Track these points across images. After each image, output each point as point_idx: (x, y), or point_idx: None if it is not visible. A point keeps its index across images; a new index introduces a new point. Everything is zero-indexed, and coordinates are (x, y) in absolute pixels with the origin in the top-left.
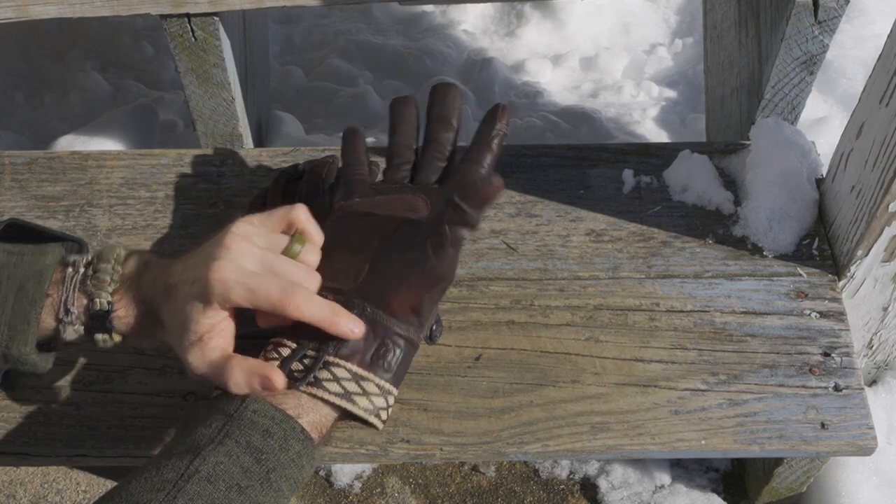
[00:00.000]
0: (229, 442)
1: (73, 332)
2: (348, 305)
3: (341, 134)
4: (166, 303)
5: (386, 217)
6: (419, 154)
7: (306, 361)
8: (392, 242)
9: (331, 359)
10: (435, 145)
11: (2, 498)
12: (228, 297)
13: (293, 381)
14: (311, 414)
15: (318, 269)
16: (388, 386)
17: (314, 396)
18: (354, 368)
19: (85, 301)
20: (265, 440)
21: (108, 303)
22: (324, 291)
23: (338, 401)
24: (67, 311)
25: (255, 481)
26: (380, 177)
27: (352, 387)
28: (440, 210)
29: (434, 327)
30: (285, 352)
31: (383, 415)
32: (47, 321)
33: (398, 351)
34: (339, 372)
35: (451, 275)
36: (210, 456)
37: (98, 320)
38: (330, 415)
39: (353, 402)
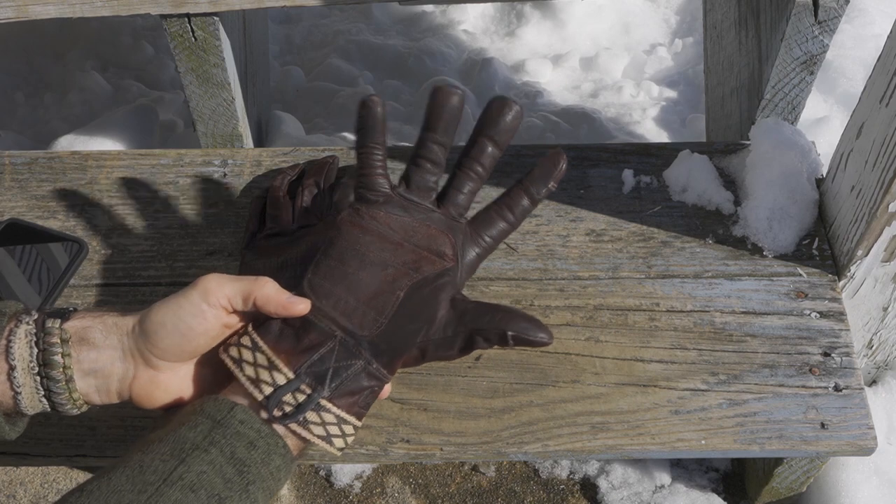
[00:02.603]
0: (214, 451)
1: (33, 398)
2: (353, 353)
3: (343, 134)
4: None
5: (409, 248)
6: (456, 165)
7: (299, 398)
8: (412, 294)
9: (323, 402)
10: (476, 165)
11: (2, 498)
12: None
13: (281, 417)
14: (290, 437)
15: (328, 279)
16: (357, 422)
17: (296, 433)
18: (342, 414)
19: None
20: (249, 452)
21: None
22: (334, 327)
23: (319, 442)
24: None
25: (234, 492)
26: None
27: (334, 430)
28: (487, 329)
29: None
30: (279, 378)
31: (338, 442)
32: (4, 392)
33: (374, 391)
34: (328, 417)
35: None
36: (194, 464)
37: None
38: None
39: (331, 444)
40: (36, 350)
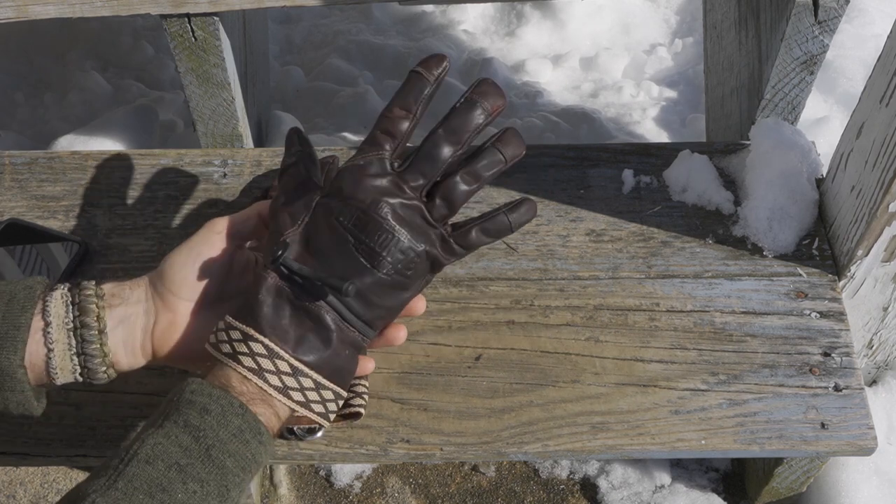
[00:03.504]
0: (167, 424)
1: (64, 357)
2: (324, 325)
3: (343, 134)
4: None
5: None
6: (431, 134)
7: (233, 334)
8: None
9: (251, 332)
10: (452, 138)
11: (2, 498)
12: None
13: (213, 345)
14: (257, 404)
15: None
16: (291, 358)
17: (228, 360)
18: (271, 345)
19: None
20: (202, 417)
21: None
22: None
23: (251, 376)
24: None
25: (194, 459)
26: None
27: (266, 364)
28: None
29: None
30: (220, 325)
31: (295, 395)
32: (37, 354)
33: (350, 352)
34: (256, 347)
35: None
36: (149, 438)
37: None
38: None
39: (265, 379)
40: (72, 306)
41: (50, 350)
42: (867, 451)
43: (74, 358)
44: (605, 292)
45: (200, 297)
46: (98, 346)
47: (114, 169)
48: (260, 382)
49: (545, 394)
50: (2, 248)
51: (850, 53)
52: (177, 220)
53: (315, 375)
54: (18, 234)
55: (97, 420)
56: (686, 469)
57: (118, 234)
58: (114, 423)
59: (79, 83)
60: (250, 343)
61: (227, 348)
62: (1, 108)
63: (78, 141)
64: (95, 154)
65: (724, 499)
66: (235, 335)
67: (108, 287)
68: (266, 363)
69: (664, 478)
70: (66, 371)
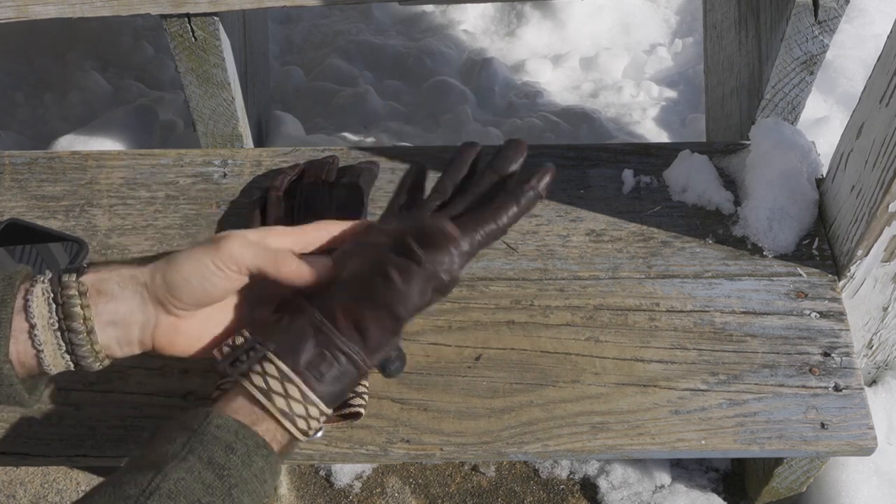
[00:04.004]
0: (192, 458)
1: (55, 356)
2: (299, 308)
3: (343, 134)
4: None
5: (377, 232)
6: (459, 187)
7: (250, 353)
8: (365, 263)
9: (269, 354)
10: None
11: (2, 498)
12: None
13: (229, 370)
14: (264, 422)
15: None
16: (312, 396)
17: (243, 388)
18: (284, 368)
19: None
20: (228, 456)
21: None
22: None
23: (257, 394)
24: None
25: (216, 498)
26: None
27: (275, 385)
28: (399, 241)
29: (392, 360)
30: (239, 341)
31: (300, 423)
32: (25, 353)
33: (336, 366)
34: (269, 368)
35: (398, 307)
36: (172, 472)
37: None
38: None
39: (271, 400)
40: (55, 306)
41: (40, 351)
42: (867, 451)
43: (66, 356)
44: (605, 292)
45: (207, 306)
46: (88, 346)
47: (114, 169)
48: (289, 426)
49: (545, 394)
50: (2, 248)
51: (850, 53)
52: (177, 220)
53: (325, 409)
54: (18, 234)
55: (97, 420)
56: (686, 469)
57: (118, 234)
58: (114, 423)
59: (79, 83)
60: (287, 385)
61: (260, 382)
62: (1, 108)
63: (78, 141)
64: (95, 154)
65: (724, 499)
66: (271, 370)
67: (91, 280)
68: (299, 408)
69: (664, 478)
70: (59, 366)
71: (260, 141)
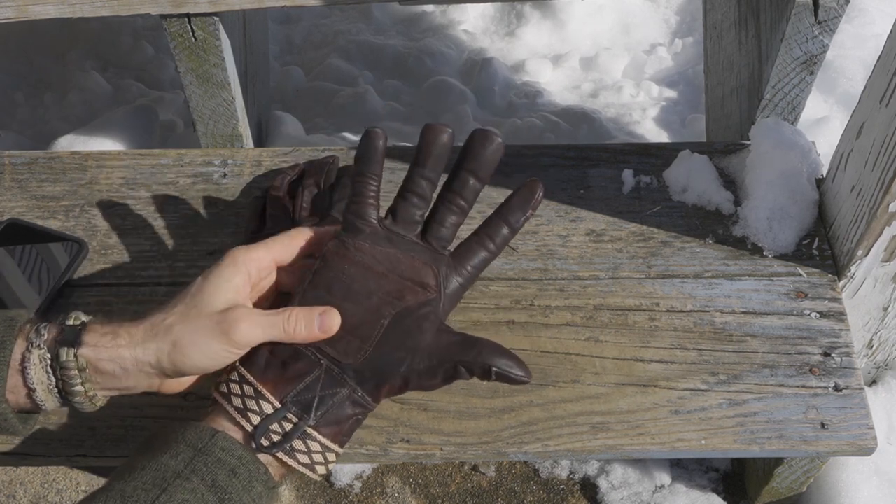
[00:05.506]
0: (195, 479)
1: (57, 409)
2: (338, 382)
3: (343, 134)
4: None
5: (393, 279)
6: (438, 198)
7: (286, 427)
8: (396, 323)
9: (309, 430)
10: (458, 198)
11: (2, 498)
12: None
13: (269, 446)
14: (273, 464)
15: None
16: (336, 447)
17: (282, 461)
18: (327, 442)
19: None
20: (230, 480)
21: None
22: (319, 355)
23: (304, 470)
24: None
25: None
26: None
27: (318, 458)
28: (471, 362)
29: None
30: (266, 407)
31: (320, 469)
32: (25, 403)
33: (360, 419)
34: (313, 445)
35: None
36: (176, 493)
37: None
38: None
39: (314, 471)
40: (54, 378)
41: (40, 406)
42: (867, 451)
43: (67, 408)
44: (605, 292)
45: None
46: (90, 404)
47: (114, 169)
48: (311, 474)
49: (545, 394)
50: (2, 248)
51: (850, 53)
52: (177, 220)
53: (328, 444)
54: (18, 234)
55: (97, 420)
56: (686, 469)
57: (118, 234)
58: (114, 423)
59: (79, 83)
60: (327, 455)
61: (306, 460)
62: (1, 108)
63: (78, 141)
64: (95, 154)
65: (724, 499)
66: (314, 447)
67: (90, 357)
68: (319, 458)
69: (664, 478)
70: (54, 406)
71: (260, 141)
